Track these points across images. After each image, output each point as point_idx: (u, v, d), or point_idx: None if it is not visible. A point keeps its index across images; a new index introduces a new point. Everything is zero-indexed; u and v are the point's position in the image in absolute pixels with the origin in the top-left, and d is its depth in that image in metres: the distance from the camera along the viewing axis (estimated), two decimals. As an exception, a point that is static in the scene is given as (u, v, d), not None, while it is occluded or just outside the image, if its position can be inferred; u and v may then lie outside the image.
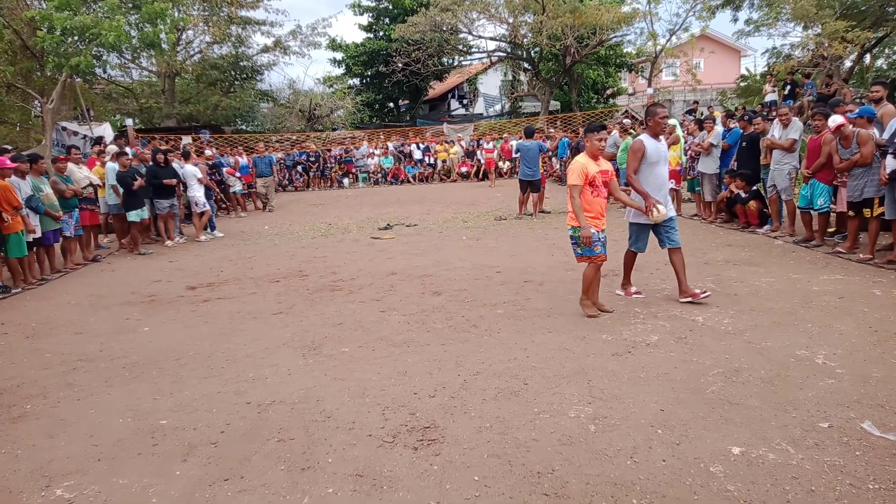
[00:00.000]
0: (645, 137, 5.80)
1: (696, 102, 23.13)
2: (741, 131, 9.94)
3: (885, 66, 24.12)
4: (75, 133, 16.72)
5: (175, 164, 11.67)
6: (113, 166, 10.55)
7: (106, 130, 17.75)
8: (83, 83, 19.05)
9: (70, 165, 9.71)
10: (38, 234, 8.46)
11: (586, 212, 5.34)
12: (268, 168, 17.05)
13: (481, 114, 35.60)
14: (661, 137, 5.94)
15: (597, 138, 5.44)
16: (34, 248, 8.61)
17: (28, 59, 15.82)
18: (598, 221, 5.41)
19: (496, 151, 22.50)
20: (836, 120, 7.28)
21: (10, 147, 9.93)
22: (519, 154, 12.36)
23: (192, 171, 11.73)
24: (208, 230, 12.25)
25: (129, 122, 19.68)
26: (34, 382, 4.71)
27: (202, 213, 11.95)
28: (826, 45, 17.64)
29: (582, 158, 5.47)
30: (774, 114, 9.80)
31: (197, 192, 11.74)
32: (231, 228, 13.27)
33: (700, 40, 26.71)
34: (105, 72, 20.56)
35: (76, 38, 14.25)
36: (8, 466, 3.42)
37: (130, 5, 15.93)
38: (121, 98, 25.91)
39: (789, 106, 9.10)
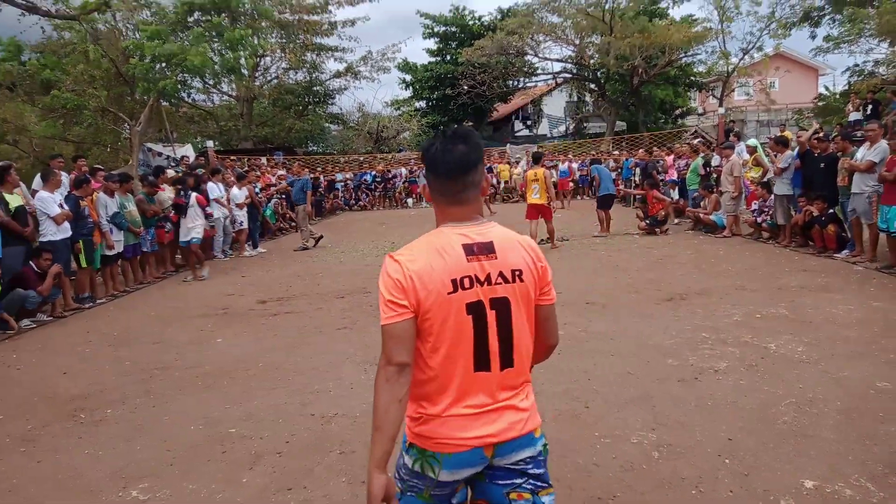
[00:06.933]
0: None
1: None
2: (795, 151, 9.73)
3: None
4: (159, 154, 17.72)
5: (213, 185, 12.00)
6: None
7: (188, 151, 18.75)
8: (169, 106, 20.21)
9: None
10: (120, 249, 9.04)
11: None
12: (300, 193, 13.29)
13: (545, 135, 35.45)
14: None
15: None
16: (118, 261, 9.27)
17: (121, 84, 16.94)
18: None
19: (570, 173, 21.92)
20: None
21: (101, 167, 10.72)
22: (598, 175, 13.28)
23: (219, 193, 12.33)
24: (250, 246, 12.97)
25: (209, 143, 20.67)
26: (115, 388, 5.00)
27: (241, 231, 12.74)
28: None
29: None
30: (860, 133, 9.33)
31: (235, 212, 12.60)
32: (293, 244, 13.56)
33: (775, 59, 25.89)
34: (189, 96, 21.78)
35: (164, 64, 15.22)
36: (90, 467, 3.64)
37: (214, 34, 16.88)
38: (202, 121, 27.31)
39: (879, 123, 8.60)
